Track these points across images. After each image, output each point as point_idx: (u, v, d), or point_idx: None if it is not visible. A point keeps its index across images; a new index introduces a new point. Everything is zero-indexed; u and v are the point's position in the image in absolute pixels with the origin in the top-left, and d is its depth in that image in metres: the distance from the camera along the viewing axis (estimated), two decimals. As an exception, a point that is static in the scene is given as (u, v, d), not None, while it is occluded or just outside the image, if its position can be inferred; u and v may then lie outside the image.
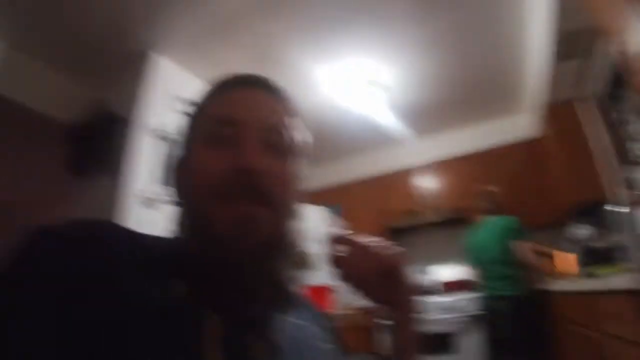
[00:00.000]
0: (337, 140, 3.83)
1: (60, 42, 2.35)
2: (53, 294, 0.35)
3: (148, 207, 2.29)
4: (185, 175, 0.46)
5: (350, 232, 0.57)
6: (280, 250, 0.46)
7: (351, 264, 0.51)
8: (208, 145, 0.44)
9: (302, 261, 2.39)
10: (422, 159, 3.79)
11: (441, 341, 2.83)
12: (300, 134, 0.51)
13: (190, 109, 0.51)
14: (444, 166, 3.67)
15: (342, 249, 0.52)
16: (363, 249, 0.52)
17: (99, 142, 2.43)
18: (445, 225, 3.55)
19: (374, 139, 3.84)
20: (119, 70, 2.51)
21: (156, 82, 2.50)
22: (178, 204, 0.47)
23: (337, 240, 0.53)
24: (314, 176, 4.10)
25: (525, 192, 3.11)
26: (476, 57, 2.75)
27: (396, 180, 3.84)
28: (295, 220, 0.48)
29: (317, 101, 3.15)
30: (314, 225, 3.21)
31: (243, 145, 0.43)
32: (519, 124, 3.49)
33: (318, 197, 3.69)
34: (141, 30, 2.33)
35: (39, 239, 0.39)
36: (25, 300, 0.35)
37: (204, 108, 0.49)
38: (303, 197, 0.50)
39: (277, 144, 0.47)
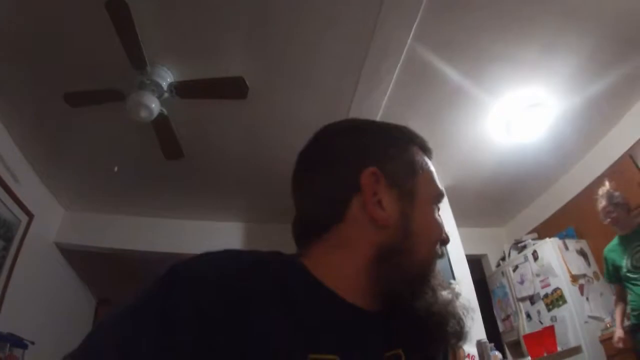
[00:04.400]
0: (536, 173, 3.46)
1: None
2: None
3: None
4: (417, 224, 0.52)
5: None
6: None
7: None
8: (434, 208, 0.54)
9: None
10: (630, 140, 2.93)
11: None
12: None
13: (417, 164, 0.55)
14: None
15: None
16: None
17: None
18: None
19: (568, 153, 3.30)
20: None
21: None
22: (398, 248, 0.49)
23: None
24: (534, 214, 3.89)
25: None
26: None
27: (616, 173, 3.02)
28: None
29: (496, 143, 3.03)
30: (553, 258, 3.09)
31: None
32: None
33: (547, 229, 3.55)
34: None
35: (170, 280, 0.38)
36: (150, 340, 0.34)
37: (429, 171, 0.56)
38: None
39: None
